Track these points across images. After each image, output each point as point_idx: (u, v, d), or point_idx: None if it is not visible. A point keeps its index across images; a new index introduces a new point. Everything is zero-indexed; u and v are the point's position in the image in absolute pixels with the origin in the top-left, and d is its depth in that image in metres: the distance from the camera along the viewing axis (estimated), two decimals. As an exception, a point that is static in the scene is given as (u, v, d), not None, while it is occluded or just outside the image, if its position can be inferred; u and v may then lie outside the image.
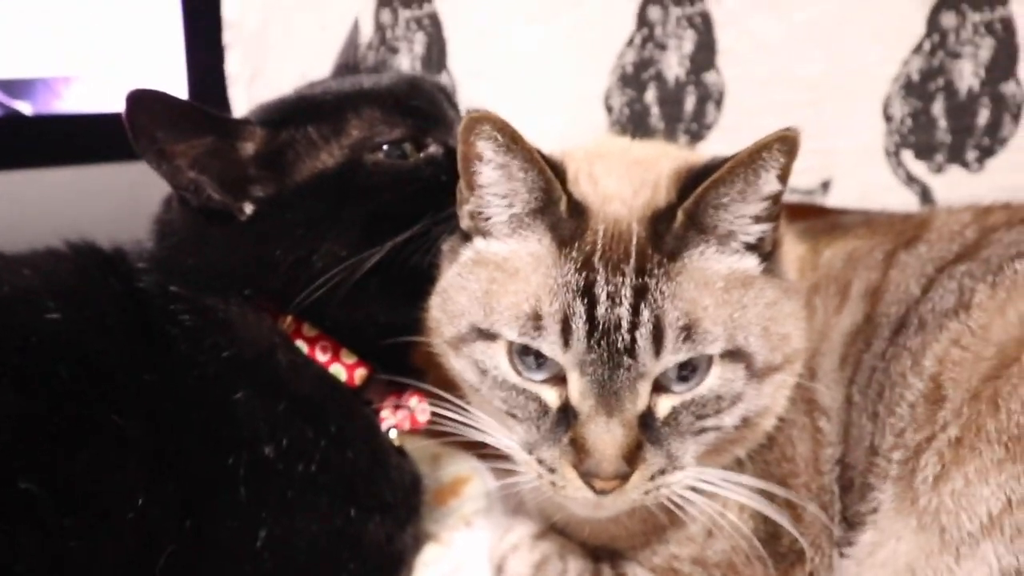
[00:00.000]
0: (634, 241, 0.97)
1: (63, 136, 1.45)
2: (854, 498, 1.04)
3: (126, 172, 1.35)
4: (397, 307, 1.11)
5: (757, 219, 0.98)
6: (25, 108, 1.41)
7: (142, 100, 1.01)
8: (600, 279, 0.95)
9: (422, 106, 1.14)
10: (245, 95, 1.46)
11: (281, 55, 1.48)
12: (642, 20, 1.53)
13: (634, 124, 1.56)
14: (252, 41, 1.46)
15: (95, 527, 0.92)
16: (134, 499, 0.93)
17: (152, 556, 0.93)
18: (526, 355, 0.98)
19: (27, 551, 0.88)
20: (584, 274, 0.96)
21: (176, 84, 1.46)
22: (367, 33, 1.49)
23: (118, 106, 1.34)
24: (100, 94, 1.46)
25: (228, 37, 1.44)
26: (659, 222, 0.97)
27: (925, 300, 1.05)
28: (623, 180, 1.03)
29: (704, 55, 1.52)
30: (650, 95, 1.55)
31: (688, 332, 0.94)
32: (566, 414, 0.96)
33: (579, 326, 0.94)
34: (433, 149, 1.11)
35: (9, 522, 0.87)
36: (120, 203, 1.34)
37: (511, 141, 0.96)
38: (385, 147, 1.10)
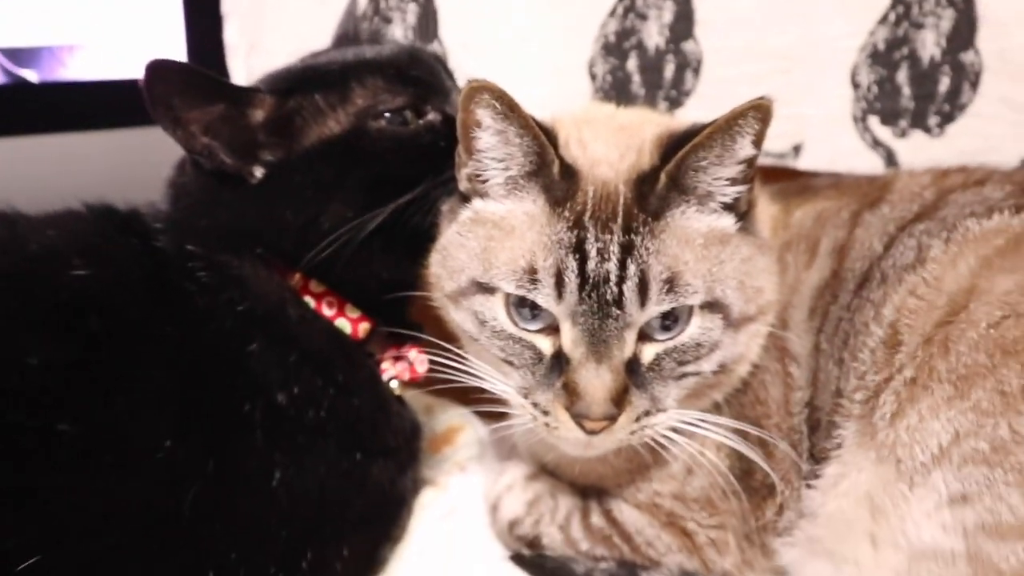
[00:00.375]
0: (621, 201, 1.02)
1: (67, 103, 1.48)
2: (820, 436, 1.10)
3: (129, 137, 1.41)
4: (398, 265, 1.16)
5: (733, 181, 1.03)
6: (31, 76, 1.45)
7: (159, 69, 1.05)
8: (590, 236, 1.00)
9: (422, 76, 1.18)
10: (243, 65, 1.49)
11: (277, 25, 1.50)
12: None
13: (617, 91, 1.58)
14: (249, 12, 1.49)
15: (127, 467, 0.96)
16: (162, 441, 0.97)
17: (180, 494, 0.97)
18: (522, 307, 1.03)
19: (66, 490, 0.93)
20: (575, 232, 1.00)
21: (175, 53, 1.49)
22: (362, 3, 1.51)
23: (121, 73, 1.42)
24: (103, 62, 1.48)
25: (226, 7, 1.48)
26: (643, 184, 1.02)
27: (887, 256, 1.11)
28: (610, 145, 1.07)
29: (683, 25, 1.55)
30: (631, 63, 1.57)
31: (671, 285, 0.99)
32: (559, 361, 1.01)
33: (571, 279, 0.99)
34: (432, 116, 1.15)
35: (50, 462, 0.92)
36: (124, 167, 1.39)
37: (508, 109, 1.00)
38: (387, 114, 1.14)
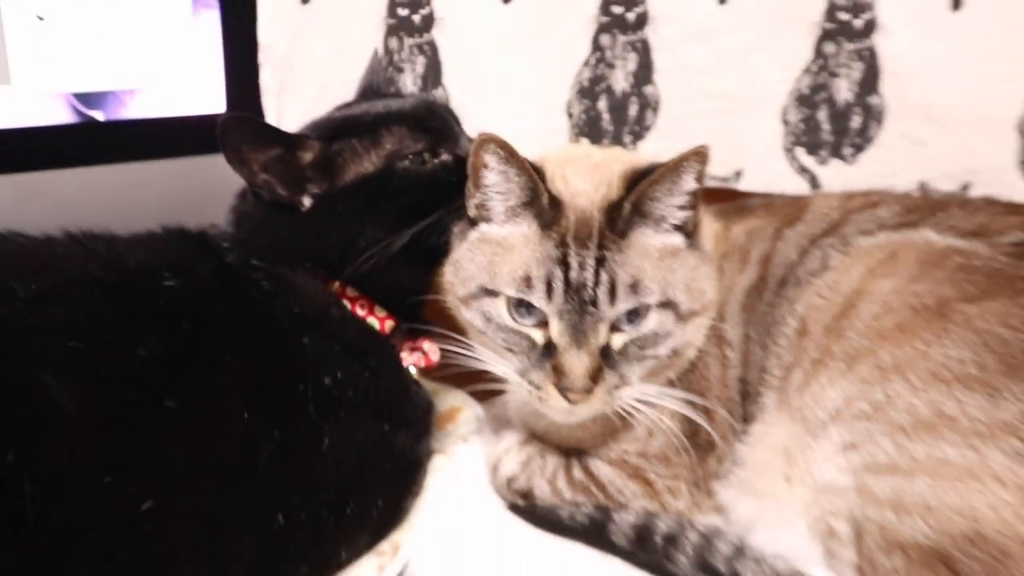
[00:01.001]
0: (595, 225, 1.18)
1: (128, 137, 1.57)
2: (750, 403, 1.26)
3: (181, 165, 1.57)
4: (418, 275, 1.32)
5: (681, 208, 1.19)
6: (99, 115, 1.53)
7: (231, 121, 1.21)
8: (572, 252, 1.16)
9: (436, 125, 1.33)
10: (275, 104, 1.63)
11: (303, 73, 1.63)
12: (596, 45, 1.69)
13: (590, 127, 1.71)
14: (281, 61, 1.60)
15: (216, 434, 1.09)
16: (241, 415, 1.10)
17: (257, 455, 1.10)
18: (520, 307, 1.19)
19: (174, 452, 1.05)
20: (561, 249, 1.17)
21: (217, 95, 1.62)
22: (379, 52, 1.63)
23: (173, 112, 1.56)
24: (158, 102, 1.57)
25: (262, 57, 1.59)
26: (612, 211, 1.18)
27: (800, 264, 1.27)
28: (586, 180, 1.23)
29: (644, 73, 1.68)
30: (602, 104, 1.71)
31: (634, 288, 1.16)
32: (548, 348, 1.18)
33: (558, 285, 1.16)
34: (445, 157, 1.30)
35: (159, 432, 1.05)
36: (176, 190, 1.56)
37: (509, 155, 1.17)
38: (410, 156, 1.28)
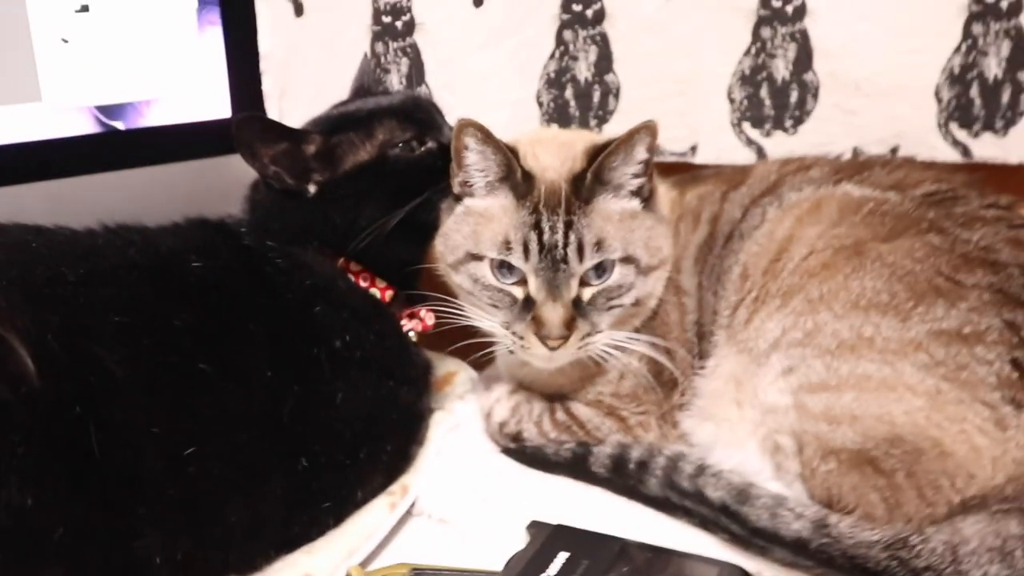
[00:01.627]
0: (563, 194, 1.28)
1: (147, 143, 1.65)
2: (704, 342, 1.37)
3: (194, 166, 1.67)
4: (411, 248, 1.42)
5: (636, 175, 1.30)
6: (119, 125, 1.60)
7: (244, 120, 1.33)
8: (544, 218, 1.27)
9: (422, 116, 1.43)
10: (276, 107, 1.72)
11: (301, 78, 1.72)
12: (559, 40, 1.79)
13: (558, 114, 1.82)
14: (280, 68, 1.69)
15: (245, 391, 1.19)
16: (265, 373, 1.21)
17: (280, 408, 1.21)
18: (502, 267, 1.29)
19: (209, 407, 1.16)
20: (534, 216, 1.27)
21: (223, 101, 1.70)
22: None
23: (186, 119, 1.61)
24: (172, 111, 1.66)
25: (263, 65, 1.68)
26: (577, 181, 1.29)
27: (743, 221, 1.38)
28: (554, 157, 1.34)
29: (604, 63, 1.78)
30: (568, 93, 1.82)
31: (599, 246, 1.26)
32: (528, 303, 1.28)
33: (533, 247, 1.26)
34: (430, 144, 1.40)
35: (195, 390, 1.15)
36: (192, 190, 1.63)
37: (485, 136, 1.27)
38: (400, 145, 1.39)
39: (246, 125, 1.33)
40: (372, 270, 1.42)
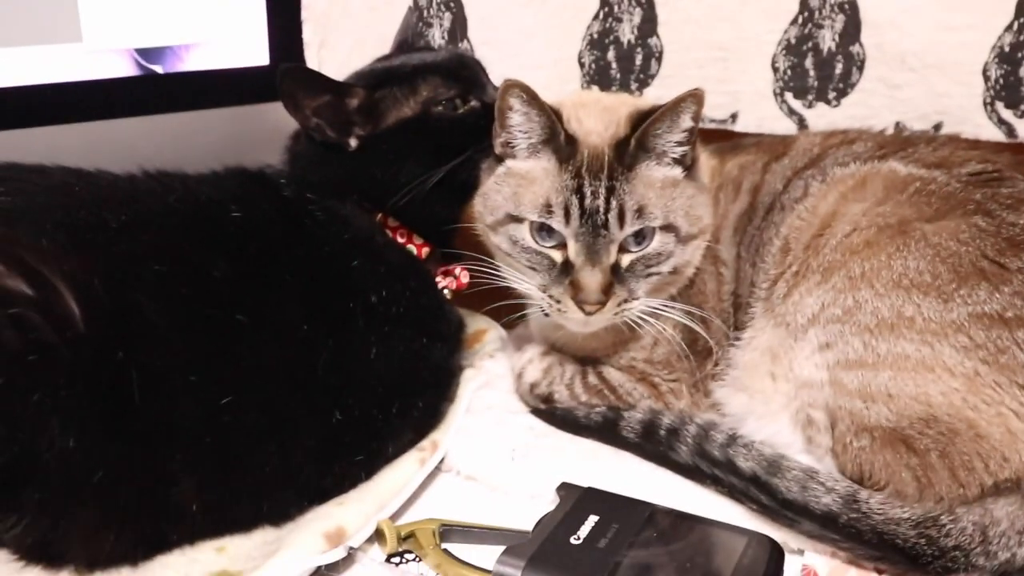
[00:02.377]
0: (606, 159, 1.28)
1: (185, 88, 1.64)
2: (741, 313, 1.37)
3: (232, 114, 1.68)
4: (449, 206, 1.43)
5: (680, 144, 1.29)
6: (158, 68, 1.61)
7: (289, 71, 1.33)
8: (586, 183, 1.27)
9: (467, 74, 1.43)
10: (316, 57, 1.71)
11: (341, 28, 1.70)
12: (604, 1, 1.78)
13: (599, 75, 1.80)
14: (321, 17, 1.69)
15: (281, 342, 1.21)
16: (301, 326, 1.22)
17: (315, 360, 1.22)
18: (541, 230, 1.29)
19: (248, 356, 1.17)
20: (576, 180, 1.27)
21: (262, 49, 1.71)
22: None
23: (226, 64, 1.61)
24: (211, 57, 1.66)
25: (304, 14, 1.68)
26: (620, 147, 1.28)
27: (785, 192, 1.38)
28: (598, 121, 1.33)
29: (648, 26, 1.77)
30: (611, 55, 1.80)
31: (639, 213, 1.27)
32: (566, 266, 1.28)
33: (574, 211, 1.26)
34: (474, 103, 1.41)
35: (232, 341, 1.17)
36: (227, 137, 1.67)
37: (531, 98, 1.27)
38: (444, 102, 1.39)
39: (291, 75, 1.33)
40: (409, 227, 1.43)
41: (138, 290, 1.13)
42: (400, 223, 1.42)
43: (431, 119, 1.40)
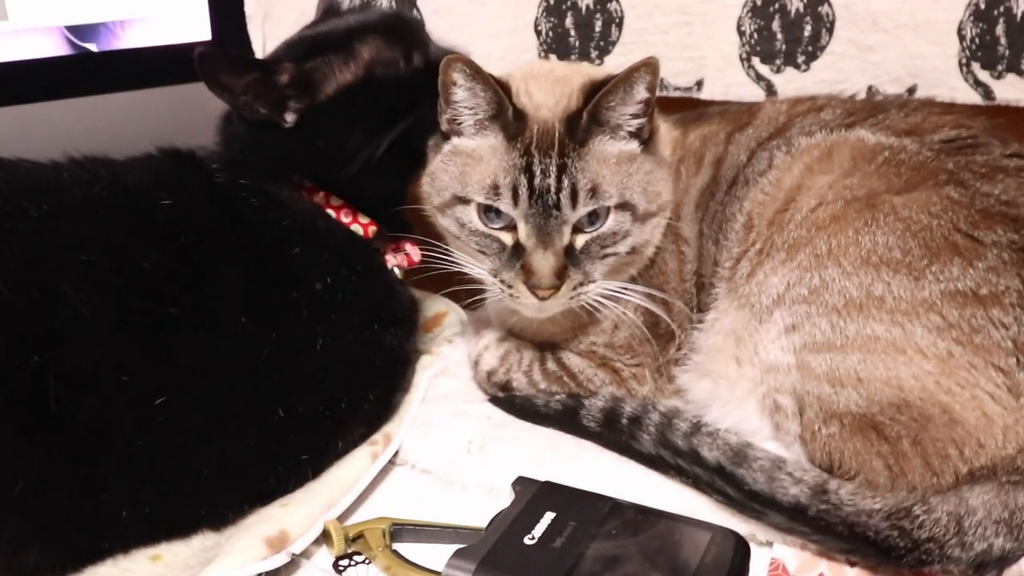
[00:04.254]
0: (557, 135, 1.24)
1: (122, 67, 1.61)
2: (704, 294, 1.34)
3: (170, 92, 1.61)
4: (398, 180, 1.38)
5: (635, 116, 1.26)
6: (92, 47, 1.56)
7: (207, 55, 1.25)
8: (536, 160, 1.23)
9: (408, 34, 1.38)
10: (259, 30, 1.67)
11: (285, 1, 1.67)
12: None
13: (557, 44, 1.75)
14: None
15: (217, 337, 1.17)
16: (239, 318, 1.19)
17: (256, 355, 1.19)
18: (489, 212, 1.26)
19: (181, 353, 1.13)
20: (525, 158, 1.23)
21: (202, 24, 1.65)
22: None
23: (163, 41, 1.55)
24: (149, 33, 1.61)
25: None
26: (572, 121, 1.25)
27: (749, 165, 1.34)
28: (548, 94, 1.30)
29: None
30: (568, 21, 1.75)
31: (593, 192, 1.23)
32: (517, 249, 1.25)
33: (523, 192, 1.23)
34: (417, 61, 1.36)
35: (166, 336, 1.13)
36: (169, 118, 1.56)
37: (475, 72, 1.23)
38: (387, 63, 1.33)
39: (209, 60, 1.26)
40: (354, 205, 1.37)
41: (62, 284, 1.09)
42: (344, 201, 1.37)
43: (375, 82, 1.34)
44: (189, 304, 1.17)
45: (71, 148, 1.26)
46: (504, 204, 1.26)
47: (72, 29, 1.56)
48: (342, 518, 1.22)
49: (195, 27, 1.66)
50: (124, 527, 1.12)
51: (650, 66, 1.23)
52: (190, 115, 1.45)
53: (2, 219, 1.11)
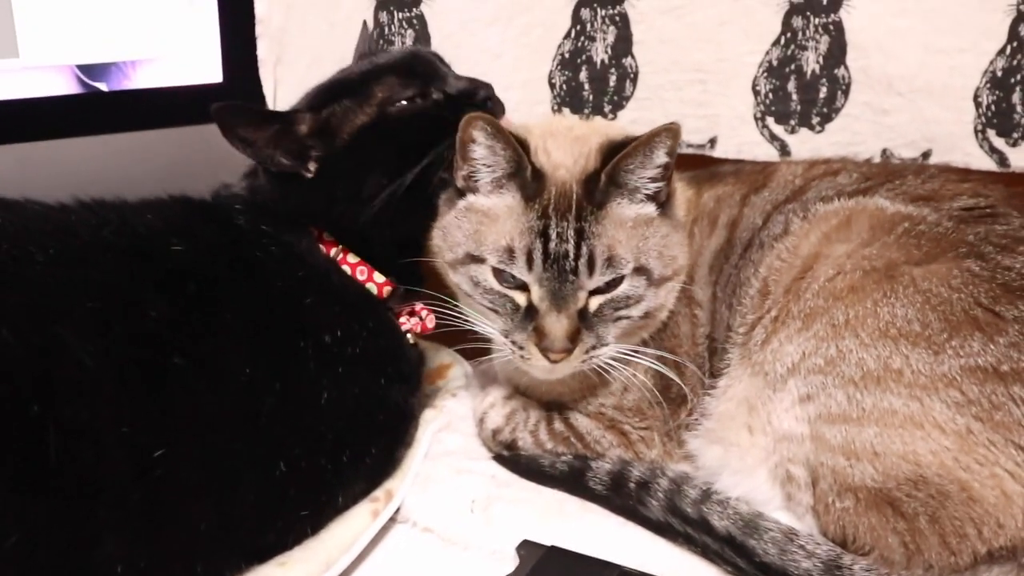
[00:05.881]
0: (574, 197, 1.23)
1: (132, 107, 1.58)
2: (716, 359, 1.32)
3: (181, 133, 1.59)
4: (416, 225, 1.36)
5: (653, 179, 1.25)
6: (102, 86, 1.54)
7: (225, 108, 1.27)
8: (552, 223, 1.22)
9: (424, 69, 1.38)
10: (271, 74, 1.64)
11: (298, 45, 1.65)
12: (576, 19, 1.72)
13: (571, 97, 1.75)
14: (276, 34, 1.62)
15: (221, 388, 1.15)
16: (244, 369, 1.17)
17: (258, 407, 1.17)
18: (504, 272, 1.24)
19: (182, 405, 1.11)
20: (542, 220, 1.22)
21: (214, 67, 1.63)
22: (369, 28, 1.67)
23: (174, 82, 1.54)
24: (160, 74, 1.59)
25: (259, 30, 1.61)
26: (590, 183, 1.23)
27: (764, 228, 1.32)
28: (567, 153, 1.28)
29: (622, 45, 1.72)
30: (583, 75, 1.75)
31: (610, 261, 1.22)
32: (530, 311, 1.24)
33: (538, 256, 1.22)
34: (436, 96, 1.35)
35: (168, 387, 1.11)
36: (179, 159, 1.58)
37: (496, 130, 1.22)
38: (403, 101, 1.34)
39: (226, 113, 1.28)
40: (372, 258, 1.37)
41: (65, 329, 1.06)
42: (360, 258, 1.37)
43: (390, 119, 1.34)
44: (194, 354, 1.15)
45: (79, 187, 1.25)
46: (518, 269, 1.24)
47: (83, 68, 1.54)
48: (340, 580, 1.19)
49: (206, 69, 1.64)
50: (117, 584, 1.08)
51: (671, 131, 1.22)
52: (199, 156, 1.46)
53: (7, 263, 1.10)
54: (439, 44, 1.71)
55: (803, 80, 1.67)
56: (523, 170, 1.26)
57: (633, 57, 1.74)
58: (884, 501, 1.14)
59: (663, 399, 1.33)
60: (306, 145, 1.33)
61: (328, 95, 1.37)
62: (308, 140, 1.33)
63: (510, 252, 1.24)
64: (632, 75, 1.75)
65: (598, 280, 1.23)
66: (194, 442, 1.12)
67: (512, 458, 1.40)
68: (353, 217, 1.32)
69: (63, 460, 1.03)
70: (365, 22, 1.58)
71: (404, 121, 1.34)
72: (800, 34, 1.65)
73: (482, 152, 1.26)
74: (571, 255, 1.22)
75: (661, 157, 1.25)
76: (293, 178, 1.33)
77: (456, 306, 1.34)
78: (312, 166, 1.33)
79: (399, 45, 1.70)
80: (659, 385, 1.34)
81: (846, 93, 1.65)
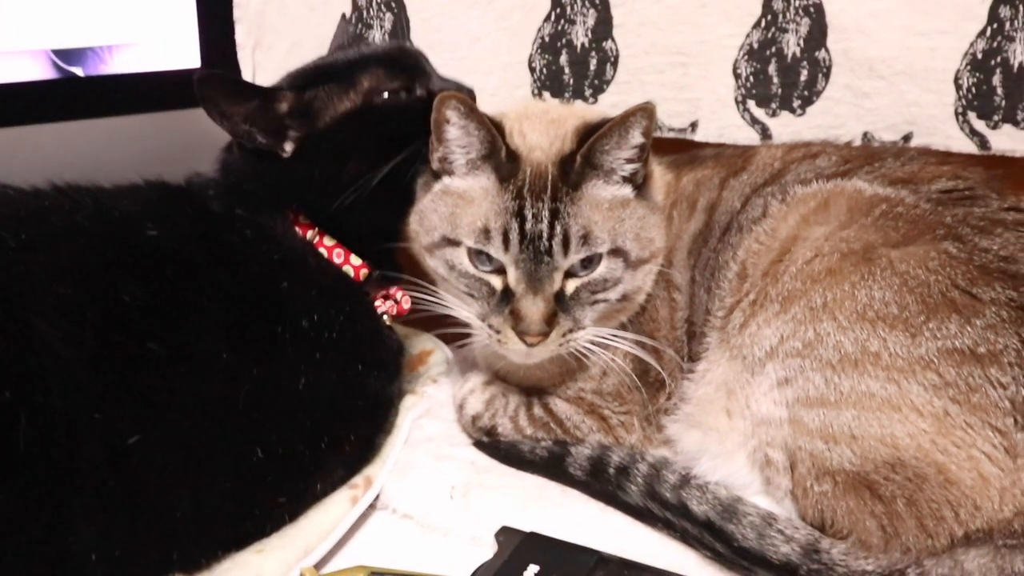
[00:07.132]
0: (550, 178, 1.23)
1: (108, 92, 1.60)
2: (695, 343, 1.32)
3: (157, 119, 1.61)
4: (392, 215, 1.36)
5: (629, 160, 1.25)
6: (78, 71, 1.56)
7: (207, 78, 1.25)
8: (528, 204, 1.22)
9: (411, 64, 1.38)
10: (250, 59, 1.65)
11: (276, 29, 1.65)
12: (556, 2, 1.72)
13: (551, 81, 1.75)
14: (255, 18, 1.63)
15: (197, 373, 1.14)
16: (220, 354, 1.16)
17: (235, 392, 1.16)
18: (480, 255, 1.24)
19: (157, 390, 1.11)
20: (517, 201, 1.22)
21: (192, 51, 1.65)
22: (347, 12, 1.68)
23: (151, 67, 1.54)
24: (137, 59, 1.60)
25: (237, 13, 1.62)
26: (566, 164, 1.24)
27: (743, 211, 1.32)
28: (543, 135, 1.29)
29: (603, 28, 1.71)
30: (563, 59, 1.75)
31: (585, 239, 1.22)
32: (507, 294, 1.24)
33: (514, 237, 1.22)
34: (419, 92, 1.36)
35: (143, 372, 1.10)
36: (155, 144, 1.59)
37: (469, 110, 1.22)
38: (387, 93, 1.34)
39: (209, 83, 1.26)
40: (348, 241, 1.37)
41: (37, 315, 1.06)
42: (337, 241, 1.36)
43: (374, 109, 1.34)
44: (169, 339, 1.14)
45: (54, 173, 1.24)
46: (494, 249, 1.24)
47: (59, 53, 1.55)
48: (319, 565, 1.19)
49: (184, 54, 1.65)
50: (92, 572, 1.07)
51: (646, 111, 1.22)
52: (176, 142, 1.48)
53: (-23, 249, 1.09)
54: (418, 27, 1.72)
55: (784, 63, 1.66)
56: (498, 151, 1.25)
57: (613, 40, 1.73)
58: (862, 484, 1.13)
59: (642, 384, 1.33)
60: (284, 124, 1.32)
61: (312, 78, 1.37)
62: (287, 119, 1.32)
63: (486, 232, 1.24)
64: (613, 59, 1.74)
65: (573, 258, 1.23)
66: (170, 428, 1.11)
67: (492, 444, 1.40)
68: (330, 200, 1.30)
69: (36, 447, 1.02)
70: (344, 15, 1.58)
71: (388, 112, 1.34)
72: (780, 16, 1.64)
73: (456, 132, 1.26)
74: (545, 235, 1.22)
75: (637, 138, 1.25)
76: (268, 156, 1.32)
77: (434, 291, 1.34)
78: (288, 146, 1.32)
79: (377, 28, 1.70)
80: (638, 369, 1.34)
81: (827, 76, 1.64)
